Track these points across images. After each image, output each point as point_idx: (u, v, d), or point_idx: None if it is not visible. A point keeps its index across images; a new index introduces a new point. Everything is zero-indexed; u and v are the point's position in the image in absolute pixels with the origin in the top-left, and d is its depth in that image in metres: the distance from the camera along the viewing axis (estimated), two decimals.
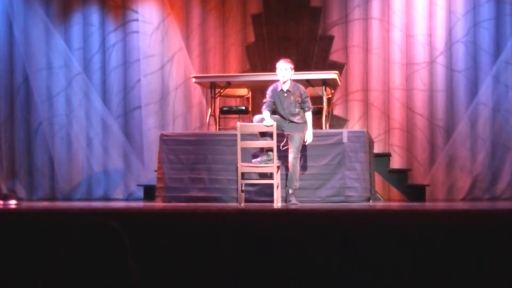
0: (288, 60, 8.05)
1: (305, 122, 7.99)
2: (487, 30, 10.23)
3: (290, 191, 7.94)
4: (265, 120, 7.88)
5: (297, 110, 7.97)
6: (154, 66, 11.01)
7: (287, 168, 8.06)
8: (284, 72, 7.93)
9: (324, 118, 9.02)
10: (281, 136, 8.01)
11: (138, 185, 10.53)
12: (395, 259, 5.01)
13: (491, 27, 10.23)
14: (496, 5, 10.23)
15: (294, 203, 7.81)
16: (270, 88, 8.07)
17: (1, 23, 11.07)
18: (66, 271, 2.63)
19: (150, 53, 11.01)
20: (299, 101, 7.99)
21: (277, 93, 8.01)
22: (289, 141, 7.99)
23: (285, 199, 8.03)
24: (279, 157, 8.00)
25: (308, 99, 8.07)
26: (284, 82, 7.97)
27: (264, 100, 8.13)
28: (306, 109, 8.03)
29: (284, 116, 8.00)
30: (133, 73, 11.06)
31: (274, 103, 8.03)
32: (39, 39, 11.03)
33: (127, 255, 2.69)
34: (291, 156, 7.94)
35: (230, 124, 10.33)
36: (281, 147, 7.97)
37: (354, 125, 10.56)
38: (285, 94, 7.97)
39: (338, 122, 10.39)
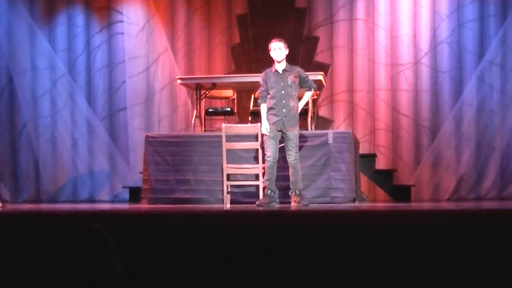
0: (281, 38, 7.71)
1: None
2: (471, 31, 10.28)
3: (297, 192, 7.55)
4: (263, 124, 7.60)
5: (294, 92, 7.63)
6: (139, 67, 10.99)
7: (285, 169, 7.77)
8: (278, 52, 7.58)
9: (309, 119, 8.97)
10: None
11: (124, 187, 10.50)
12: (381, 259, 5.02)
13: (475, 27, 10.28)
14: (480, 5, 10.29)
15: (305, 204, 7.45)
16: (262, 75, 7.71)
17: None
18: (50, 273, 2.61)
19: (135, 54, 10.99)
20: (297, 82, 7.64)
21: (271, 76, 7.65)
22: (286, 139, 7.61)
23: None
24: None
25: (309, 78, 7.79)
26: (280, 62, 7.61)
27: (258, 91, 7.87)
28: (308, 88, 7.73)
29: (282, 99, 7.57)
30: (118, 74, 11.04)
31: (268, 90, 7.64)
32: (23, 40, 10.98)
33: (111, 256, 2.68)
34: (292, 156, 7.55)
35: (216, 125, 10.32)
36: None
37: (340, 126, 10.57)
38: (281, 75, 7.61)
39: (323, 123, 10.39)
